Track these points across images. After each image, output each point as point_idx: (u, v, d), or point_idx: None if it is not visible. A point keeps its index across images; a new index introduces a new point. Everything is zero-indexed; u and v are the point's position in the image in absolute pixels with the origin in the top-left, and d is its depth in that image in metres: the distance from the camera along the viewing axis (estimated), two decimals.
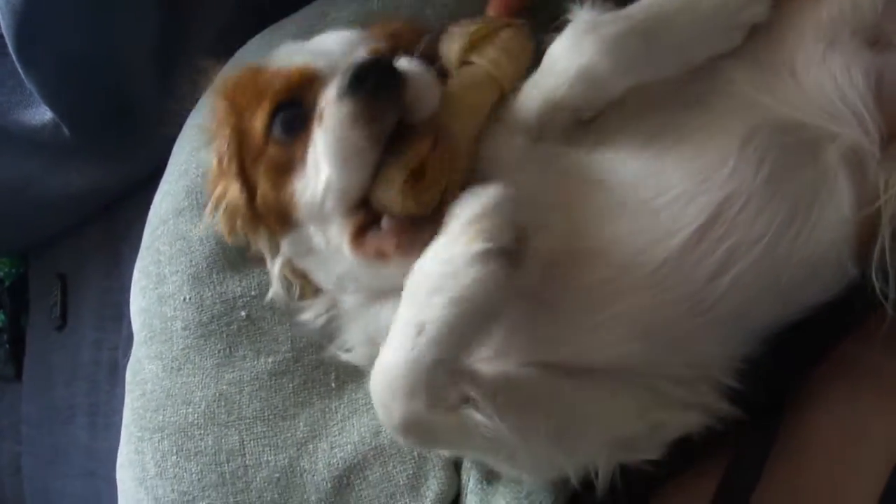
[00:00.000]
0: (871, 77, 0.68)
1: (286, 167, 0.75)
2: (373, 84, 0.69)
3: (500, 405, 0.66)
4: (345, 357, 0.83)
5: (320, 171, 0.72)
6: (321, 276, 0.81)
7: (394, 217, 0.72)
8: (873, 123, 0.67)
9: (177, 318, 0.94)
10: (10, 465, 1.94)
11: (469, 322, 0.62)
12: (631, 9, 0.71)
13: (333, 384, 0.90)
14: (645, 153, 0.71)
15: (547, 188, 0.73)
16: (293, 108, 0.75)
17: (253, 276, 0.93)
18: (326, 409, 0.89)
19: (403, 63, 0.73)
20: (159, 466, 0.92)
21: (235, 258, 0.93)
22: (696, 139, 0.70)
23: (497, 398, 0.66)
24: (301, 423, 0.90)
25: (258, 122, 0.76)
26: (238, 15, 1.18)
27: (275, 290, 0.84)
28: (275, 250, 0.83)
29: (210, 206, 0.83)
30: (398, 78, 0.70)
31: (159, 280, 0.97)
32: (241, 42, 1.08)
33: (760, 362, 0.71)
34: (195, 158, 1.01)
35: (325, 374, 0.91)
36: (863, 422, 0.73)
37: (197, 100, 1.04)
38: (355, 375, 0.89)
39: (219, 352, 0.92)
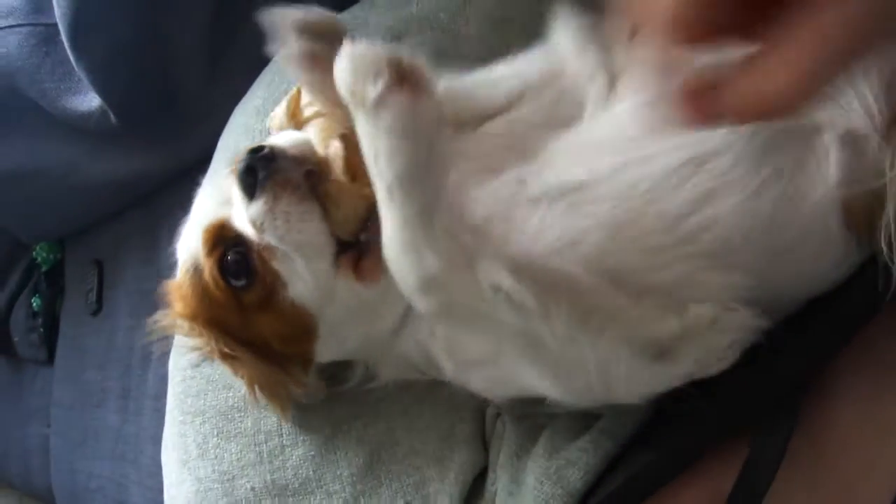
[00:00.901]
0: (885, 68, 0.69)
1: (270, 294, 0.79)
2: (263, 168, 0.74)
3: (521, 277, 0.66)
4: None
5: (295, 260, 0.76)
6: (357, 349, 0.86)
7: (366, 226, 0.76)
8: (879, 113, 0.68)
9: None
10: (38, 447, 1.97)
11: (416, 161, 0.62)
12: None
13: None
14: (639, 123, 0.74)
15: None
16: (229, 255, 0.79)
17: None
18: (360, 392, 0.91)
19: (271, 139, 0.79)
20: (201, 448, 0.94)
21: None
22: None
23: (518, 273, 0.66)
24: (336, 405, 0.91)
25: (217, 292, 0.80)
26: None
27: (319, 396, 0.90)
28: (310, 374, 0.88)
29: (251, 398, 0.87)
30: (275, 149, 0.75)
31: None
32: None
33: (779, 352, 0.71)
34: (245, 142, 1.03)
35: None
36: (885, 417, 0.73)
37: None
38: None
39: None
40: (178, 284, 0.85)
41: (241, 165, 0.75)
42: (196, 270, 0.81)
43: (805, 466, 0.73)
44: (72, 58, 1.28)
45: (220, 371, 0.95)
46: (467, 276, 0.65)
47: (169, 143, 1.44)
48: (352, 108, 0.63)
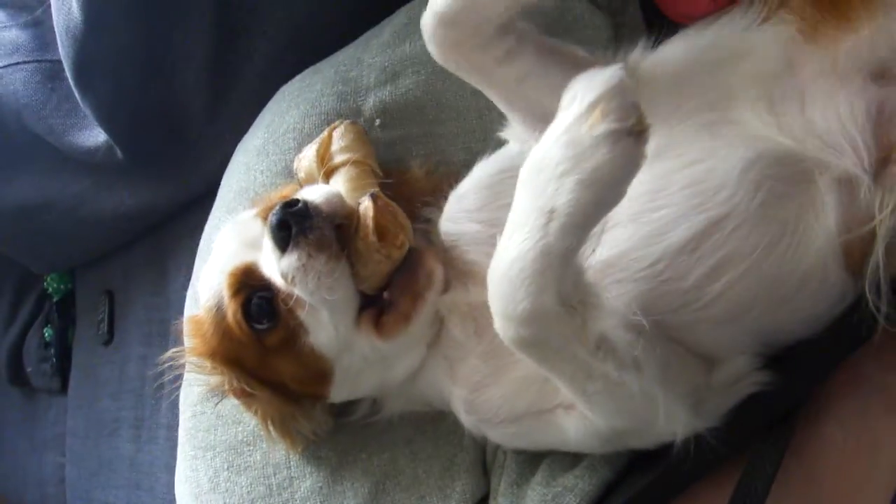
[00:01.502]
0: (873, 109, 0.70)
1: (291, 338, 0.81)
2: (296, 224, 0.76)
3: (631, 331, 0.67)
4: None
5: (320, 311, 0.79)
6: (368, 390, 0.88)
7: (390, 283, 0.79)
8: (867, 153, 0.69)
9: None
10: (54, 476, 1.98)
11: (600, 205, 0.60)
12: None
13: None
14: (650, 170, 0.73)
15: None
16: (254, 298, 0.81)
17: None
18: (365, 425, 0.93)
19: (304, 192, 0.81)
20: (212, 482, 0.95)
21: None
22: (701, 166, 0.73)
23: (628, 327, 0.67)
24: (341, 435, 0.93)
25: (239, 332, 0.82)
26: (287, 48, 1.22)
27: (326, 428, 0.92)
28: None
29: (264, 432, 0.90)
30: (309, 205, 0.77)
31: None
32: (289, 73, 1.13)
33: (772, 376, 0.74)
34: (246, 182, 1.05)
35: None
36: (873, 436, 0.74)
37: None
38: None
39: None
40: (197, 321, 0.87)
41: (274, 219, 0.76)
42: (219, 310, 0.83)
43: (797, 484, 0.75)
44: (77, 95, 1.30)
45: (230, 406, 0.97)
46: (576, 323, 0.64)
47: (175, 176, 1.45)
48: (571, 111, 0.61)
